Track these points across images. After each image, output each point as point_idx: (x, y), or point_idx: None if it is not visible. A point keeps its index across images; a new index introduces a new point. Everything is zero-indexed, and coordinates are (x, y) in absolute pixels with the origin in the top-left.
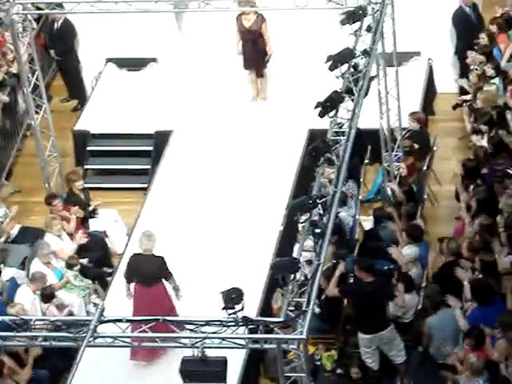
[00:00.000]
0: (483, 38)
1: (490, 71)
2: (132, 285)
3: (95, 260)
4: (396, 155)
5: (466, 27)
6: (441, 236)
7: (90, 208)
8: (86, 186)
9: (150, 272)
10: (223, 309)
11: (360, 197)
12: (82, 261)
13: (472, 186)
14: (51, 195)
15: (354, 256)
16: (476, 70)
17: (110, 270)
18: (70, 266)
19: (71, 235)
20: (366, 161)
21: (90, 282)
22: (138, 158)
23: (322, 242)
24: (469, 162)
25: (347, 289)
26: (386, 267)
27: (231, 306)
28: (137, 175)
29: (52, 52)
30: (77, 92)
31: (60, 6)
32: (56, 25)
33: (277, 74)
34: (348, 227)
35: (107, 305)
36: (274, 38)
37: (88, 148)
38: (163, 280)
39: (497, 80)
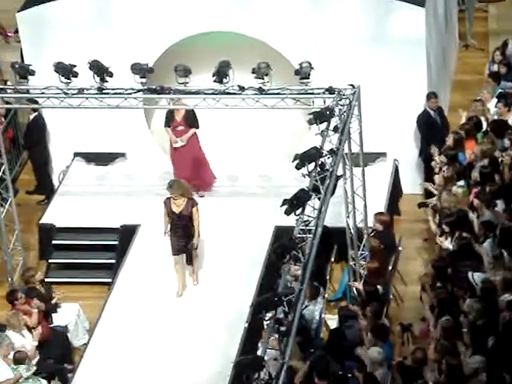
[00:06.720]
0: (449, 141)
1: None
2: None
3: (56, 356)
4: (362, 254)
5: (431, 130)
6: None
7: (53, 301)
8: (50, 280)
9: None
10: None
11: (326, 295)
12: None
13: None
14: (13, 291)
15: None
16: (442, 171)
17: (70, 367)
18: (16, 362)
19: (34, 329)
20: (332, 259)
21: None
22: (104, 252)
23: (287, 341)
24: (437, 262)
25: None
26: (340, 372)
27: None
28: (101, 269)
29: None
30: (43, 185)
31: (34, 101)
32: (28, 119)
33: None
34: (315, 320)
35: None
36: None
37: (53, 242)
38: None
39: (462, 182)
